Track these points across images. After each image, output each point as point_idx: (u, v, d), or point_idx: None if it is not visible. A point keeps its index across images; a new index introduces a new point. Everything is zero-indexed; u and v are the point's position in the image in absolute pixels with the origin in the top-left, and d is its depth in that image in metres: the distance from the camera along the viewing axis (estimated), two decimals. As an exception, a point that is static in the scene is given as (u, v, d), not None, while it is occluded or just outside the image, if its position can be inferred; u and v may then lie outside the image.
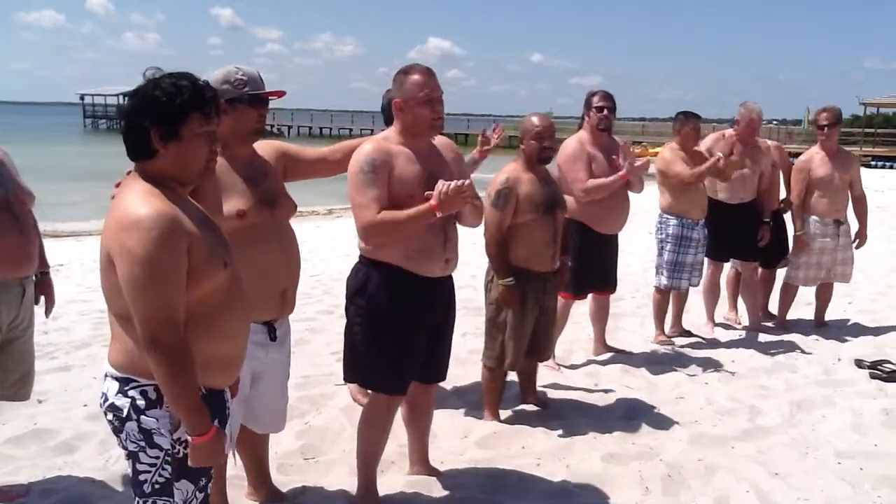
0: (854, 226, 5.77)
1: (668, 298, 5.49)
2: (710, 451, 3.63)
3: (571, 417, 4.00)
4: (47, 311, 3.26)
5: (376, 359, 2.89)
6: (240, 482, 3.05)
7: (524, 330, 3.81)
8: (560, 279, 3.99)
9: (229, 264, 1.95)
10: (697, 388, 4.52)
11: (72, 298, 6.35)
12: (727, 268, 5.93)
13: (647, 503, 3.16)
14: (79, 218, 12.80)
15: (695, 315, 5.86)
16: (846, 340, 5.53)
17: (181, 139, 1.86)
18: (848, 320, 6.14)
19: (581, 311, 5.31)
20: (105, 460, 3.39)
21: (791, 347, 5.35)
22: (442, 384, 3.42)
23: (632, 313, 6.27)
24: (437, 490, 3.17)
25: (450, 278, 3.00)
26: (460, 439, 3.72)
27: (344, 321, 3.01)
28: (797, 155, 6.29)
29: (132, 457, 1.93)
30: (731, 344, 5.43)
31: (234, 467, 3.00)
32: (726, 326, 5.89)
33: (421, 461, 3.31)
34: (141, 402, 1.87)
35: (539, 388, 4.27)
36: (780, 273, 6.01)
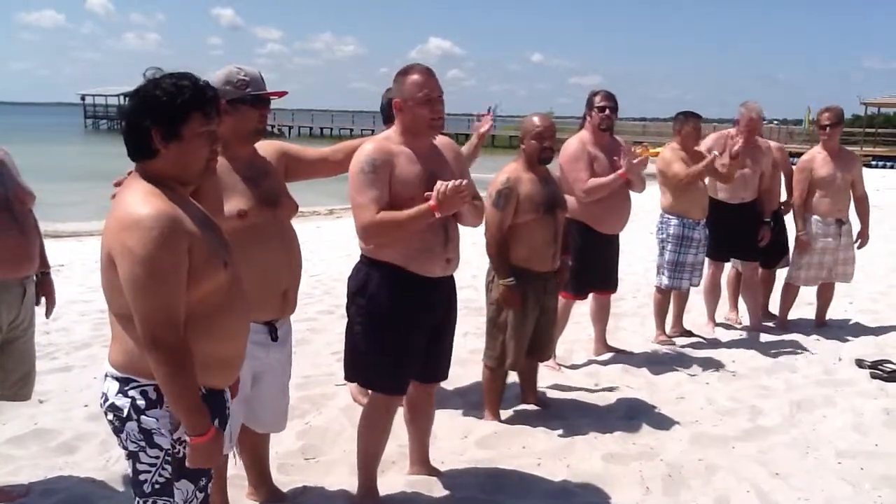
0: (856, 226, 5.77)
1: (669, 298, 5.49)
2: (711, 450, 3.63)
3: (572, 417, 4.00)
4: (48, 312, 3.26)
5: (377, 358, 2.89)
6: (240, 482, 3.05)
7: (525, 330, 3.81)
8: (560, 278, 3.99)
9: (229, 264, 1.95)
10: (698, 388, 4.52)
11: (73, 299, 6.35)
12: (728, 268, 5.94)
13: (648, 503, 3.16)
14: (79, 218, 12.80)
15: (695, 315, 5.86)
16: (847, 340, 5.53)
17: (182, 139, 1.87)
18: (849, 320, 6.14)
19: (582, 311, 5.31)
20: (106, 460, 3.39)
21: (792, 347, 5.35)
22: (443, 384, 3.42)
23: (632, 313, 6.27)
24: (437, 490, 3.17)
25: (451, 278, 2.99)
26: (461, 439, 3.72)
27: (345, 321, 3.01)
28: (799, 155, 6.28)
29: (132, 457, 1.93)
30: (731, 344, 5.42)
31: (235, 467, 3.01)
32: (727, 326, 5.89)
33: (421, 461, 3.31)
34: (141, 402, 1.87)
35: (539, 388, 4.27)
36: (781, 273, 6.01)
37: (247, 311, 2.07)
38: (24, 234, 2.93)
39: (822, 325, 5.89)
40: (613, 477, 3.33)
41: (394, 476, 3.27)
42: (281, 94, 2.70)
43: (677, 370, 4.82)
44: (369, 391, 3.14)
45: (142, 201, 1.81)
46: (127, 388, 1.89)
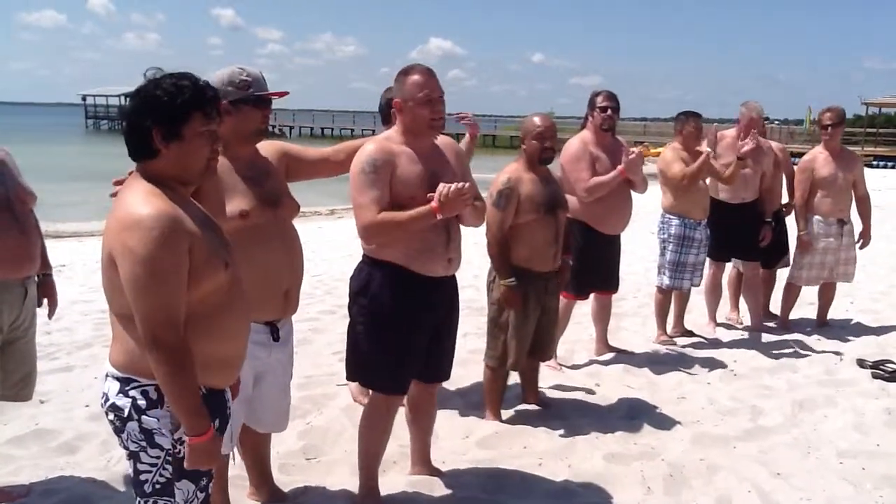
0: (857, 226, 5.77)
1: (670, 298, 5.49)
2: (712, 450, 3.63)
3: (573, 417, 3.99)
4: (50, 313, 3.26)
5: (378, 357, 2.89)
6: (241, 482, 3.05)
7: (526, 330, 3.81)
8: (561, 278, 3.99)
9: (230, 265, 1.95)
10: (699, 388, 4.52)
11: (74, 299, 6.35)
12: (729, 268, 5.93)
13: (649, 503, 3.15)
14: (80, 218, 12.80)
15: (696, 315, 5.86)
16: (848, 340, 5.53)
17: (183, 139, 1.87)
18: (850, 320, 6.13)
19: (583, 311, 5.31)
20: (106, 461, 3.39)
21: (793, 347, 5.35)
22: (444, 384, 3.42)
23: (634, 313, 6.26)
24: (438, 490, 3.17)
25: (453, 278, 2.99)
26: (462, 439, 3.72)
27: (346, 321, 3.01)
28: (800, 155, 6.28)
29: (133, 457, 1.93)
30: (732, 344, 5.42)
31: (236, 467, 3.00)
32: (728, 326, 5.89)
33: (423, 461, 3.31)
34: (142, 402, 1.88)
35: (541, 388, 4.27)
36: (781, 273, 6.01)
37: (247, 311, 2.07)
38: (24, 234, 2.93)
39: (823, 325, 5.89)
40: (615, 477, 3.33)
41: (395, 476, 3.27)
42: (282, 95, 2.70)
43: (678, 370, 4.82)
44: (370, 391, 3.14)
45: (143, 201, 1.81)
46: (128, 388, 1.89)
